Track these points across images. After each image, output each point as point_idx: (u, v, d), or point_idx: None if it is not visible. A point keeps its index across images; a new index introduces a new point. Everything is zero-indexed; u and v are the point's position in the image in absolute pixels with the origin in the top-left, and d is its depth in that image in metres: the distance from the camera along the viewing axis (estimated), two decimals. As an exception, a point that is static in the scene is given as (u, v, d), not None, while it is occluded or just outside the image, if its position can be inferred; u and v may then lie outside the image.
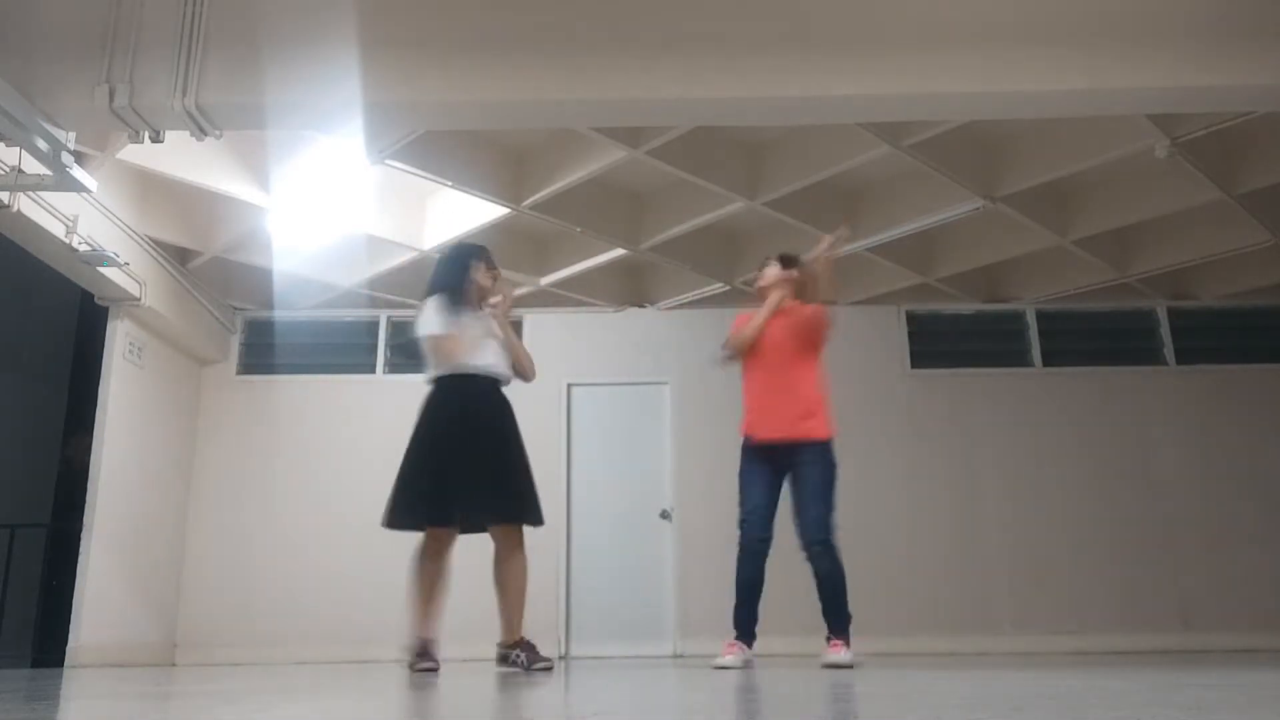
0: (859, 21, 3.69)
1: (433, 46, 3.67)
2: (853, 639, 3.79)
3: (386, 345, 7.04)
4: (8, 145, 3.69)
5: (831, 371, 6.92)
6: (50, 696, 2.31)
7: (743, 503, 3.89)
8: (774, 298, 4.05)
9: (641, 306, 7.07)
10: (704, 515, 6.47)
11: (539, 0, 3.71)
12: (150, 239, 5.73)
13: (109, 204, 5.26)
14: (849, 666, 3.61)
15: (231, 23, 3.67)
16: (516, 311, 7.05)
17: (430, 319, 3.65)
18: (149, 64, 3.61)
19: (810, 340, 3.96)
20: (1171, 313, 7.01)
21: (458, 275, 3.78)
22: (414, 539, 3.80)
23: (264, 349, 7.02)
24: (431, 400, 3.65)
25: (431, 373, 3.70)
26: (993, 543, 6.64)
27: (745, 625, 3.83)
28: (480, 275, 3.81)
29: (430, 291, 3.76)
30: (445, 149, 5.10)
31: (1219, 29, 3.60)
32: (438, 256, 4.18)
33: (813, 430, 3.86)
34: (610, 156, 5.03)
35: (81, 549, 5.52)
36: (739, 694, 1.97)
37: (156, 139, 3.80)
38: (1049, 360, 6.97)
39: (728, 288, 6.64)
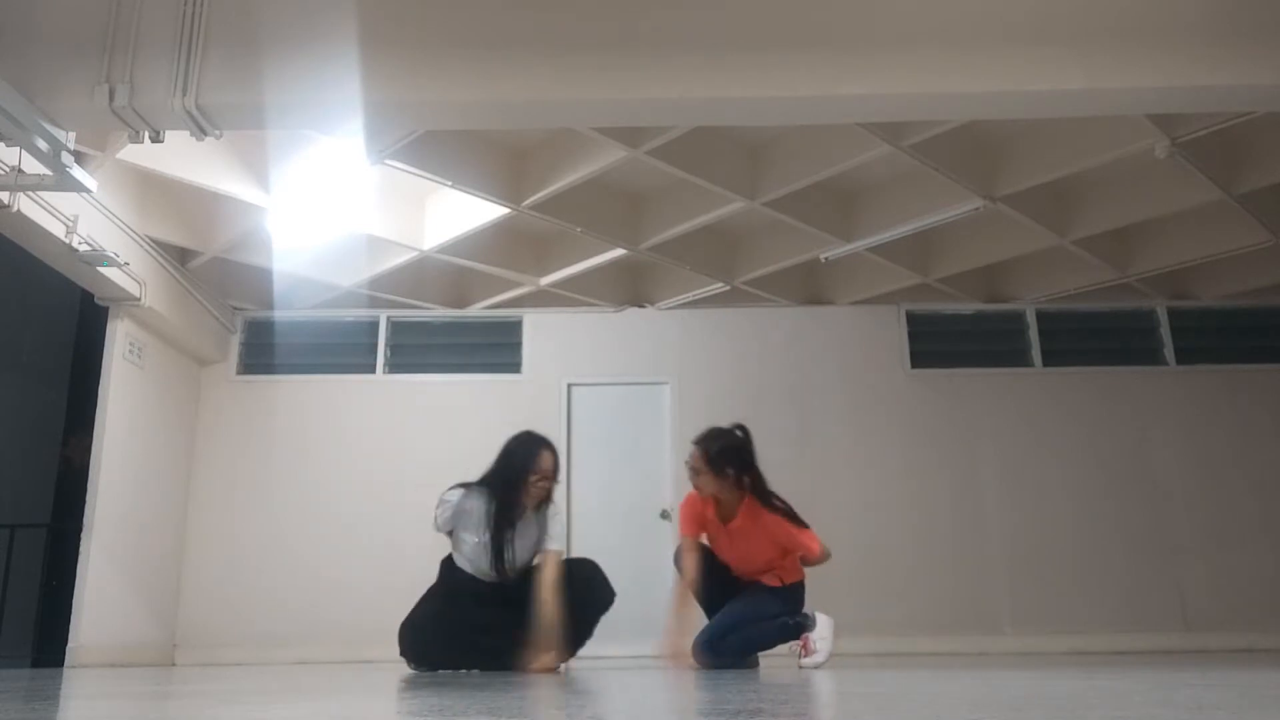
0: (858, 22, 3.69)
1: (433, 46, 3.67)
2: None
3: (386, 345, 7.04)
4: (8, 145, 3.69)
5: (831, 371, 6.96)
6: (50, 696, 2.31)
7: None
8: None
9: (641, 306, 7.07)
10: (704, 515, 6.46)
11: (538, 0, 3.72)
12: (150, 239, 5.73)
13: (109, 204, 5.27)
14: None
15: (231, 23, 3.67)
16: (516, 311, 7.06)
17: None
18: (149, 64, 3.61)
19: None
20: (1171, 313, 7.02)
21: (517, 473, 3.68)
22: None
23: (264, 349, 7.02)
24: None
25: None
26: (993, 543, 6.64)
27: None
28: (533, 479, 3.72)
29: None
30: (445, 149, 5.10)
31: (1219, 29, 3.60)
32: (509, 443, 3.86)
33: None
34: (610, 156, 5.03)
35: (81, 549, 5.52)
36: (739, 694, 1.97)
37: (156, 139, 3.80)
38: (1049, 360, 6.97)
39: (728, 288, 6.64)
